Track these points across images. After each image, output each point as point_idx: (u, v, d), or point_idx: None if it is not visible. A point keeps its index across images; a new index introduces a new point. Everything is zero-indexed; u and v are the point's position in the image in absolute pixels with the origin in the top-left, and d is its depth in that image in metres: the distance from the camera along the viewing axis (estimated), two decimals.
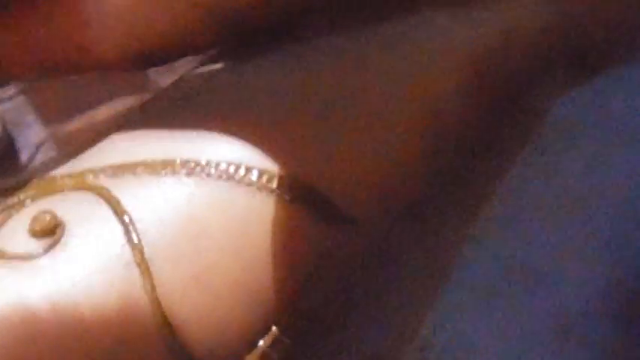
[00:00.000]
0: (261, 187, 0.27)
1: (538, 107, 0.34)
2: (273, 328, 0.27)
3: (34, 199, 0.27)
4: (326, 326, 0.31)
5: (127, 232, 0.26)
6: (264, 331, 0.28)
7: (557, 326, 0.33)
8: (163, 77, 0.32)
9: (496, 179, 0.34)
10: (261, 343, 0.27)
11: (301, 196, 0.28)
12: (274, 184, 0.27)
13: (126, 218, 0.26)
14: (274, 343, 0.28)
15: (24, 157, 0.62)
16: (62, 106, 0.31)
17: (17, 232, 0.26)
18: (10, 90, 0.39)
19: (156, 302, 0.26)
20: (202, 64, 0.30)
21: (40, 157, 0.54)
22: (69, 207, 0.27)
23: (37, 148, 0.58)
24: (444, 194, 0.33)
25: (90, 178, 0.27)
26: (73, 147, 0.30)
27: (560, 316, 0.33)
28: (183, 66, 0.32)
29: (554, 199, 0.34)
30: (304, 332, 0.30)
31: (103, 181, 0.27)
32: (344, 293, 0.31)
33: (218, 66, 0.30)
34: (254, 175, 0.27)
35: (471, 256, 0.33)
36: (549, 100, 0.34)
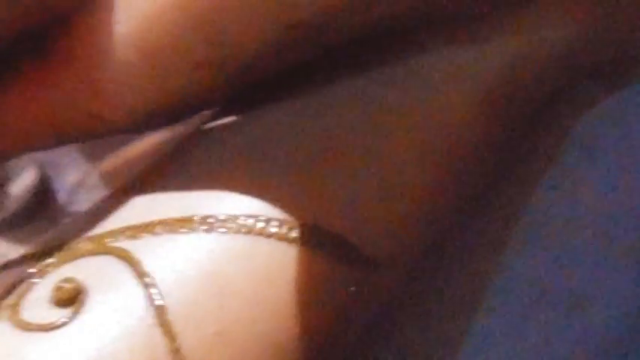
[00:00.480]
0: (281, 238, 0.27)
1: (558, 128, 0.34)
2: None
3: (55, 266, 0.27)
4: None
5: (149, 295, 0.26)
6: None
7: (594, 349, 0.32)
8: None
9: (521, 204, 0.34)
10: None
11: (322, 243, 0.27)
12: (294, 234, 0.27)
13: (147, 280, 0.26)
14: None
15: (62, 198, 0.63)
16: (101, 143, 0.31)
17: (40, 302, 0.26)
18: None
19: None
20: (214, 117, 0.30)
21: (83, 196, 0.54)
22: (90, 272, 0.26)
23: (79, 186, 0.58)
24: (468, 224, 0.33)
25: (110, 241, 0.27)
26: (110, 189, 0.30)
27: (597, 338, 0.32)
28: None
29: (583, 220, 0.34)
30: None
31: (123, 243, 0.27)
32: (373, 335, 0.31)
33: (229, 119, 0.30)
34: (273, 227, 0.27)
35: (502, 283, 0.33)
36: (569, 119, 0.34)
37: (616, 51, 0.32)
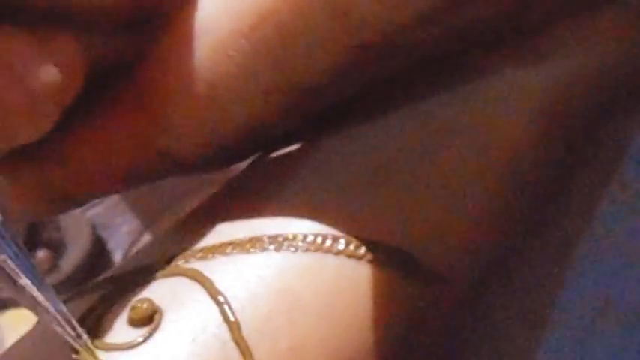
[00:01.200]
0: (349, 255, 0.28)
1: (616, 143, 0.34)
2: None
3: (130, 290, 0.28)
4: None
5: (223, 312, 0.26)
6: None
7: None
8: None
9: (583, 218, 0.34)
10: None
11: (390, 260, 0.28)
12: (361, 251, 0.28)
13: (220, 298, 0.27)
14: None
15: (117, 257, 0.64)
16: (153, 202, 0.32)
17: (116, 323, 0.27)
18: None
19: None
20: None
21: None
22: (164, 293, 0.27)
23: (133, 245, 0.59)
24: (531, 240, 0.33)
25: (182, 263, 0.28)
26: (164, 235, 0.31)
27: None
28: None
29: None
30: None
31: (195, 265, 0.28)
32: (440, 353, 0.31)
33: (290, 147, 0.31)
34: (341, 244, 0.28)
35: (566, 297, 0.33)
36: (627, 134, 0.34)
37: None
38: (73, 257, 0.57)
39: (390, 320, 0.28)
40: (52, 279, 0.58)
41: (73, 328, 0.26)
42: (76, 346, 0.26)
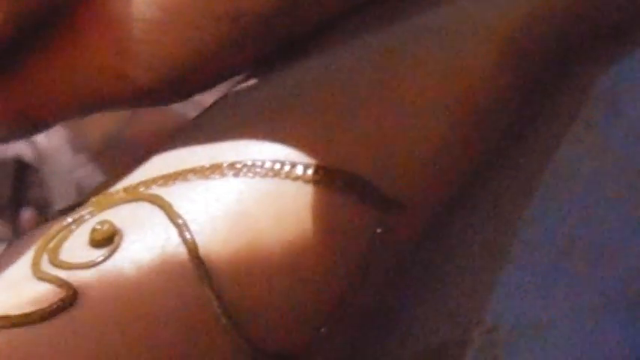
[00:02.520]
0: (307, 180, 0.28)
1: (580, 84, 0.34)
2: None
3: (92, 214, 0.28)
4: (386, 318, 0.32)
5: (181, 233, 0.27)
6: (322, 323, 0.28)
7: (625, 298, 0.33)
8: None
9: (547, 158, 0.34)
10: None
11: (348, 186, 0.28)
12: (319, 176, 0.28)
13: (179, 220, 0.27)
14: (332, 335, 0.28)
15: None
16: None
17: (78, 245, 0.27)
18: (82, 158, 0.40)
19: (214, 295, 0.26)
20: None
21: None
22: (125, 216, 0.28)
23: None
24: (494, 177, 0.33)
25: (143, 189, 0.28)
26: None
27: (628, 287, 0.33)
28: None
29: (609, 173, 0.34)
30: (363, 325, 0.30)
31: (155, 190, 0.28)
32: (401, 282, 0.31)
33: (252, 80, 0.31)
34: (299, 170, 0.28)
35: (529, 236, 0.33)
36: (591, 77, 0.34)
37: (636, 9, 0.33)
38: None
39: (346, 246, 0.28)
40: None
41: None
42: None
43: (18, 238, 0.31)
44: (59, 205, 0.58)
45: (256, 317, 0.27)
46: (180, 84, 0.30)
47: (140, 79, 0.29)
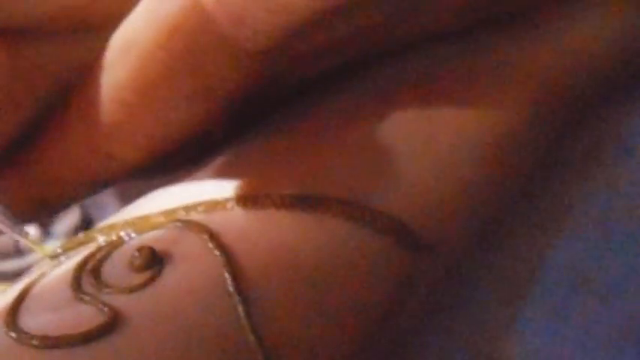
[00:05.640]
0: (347, 219, 0.29)
1: (595, 124, 0.35)
2: None
3: (129, 236, 0.29)
4: (401, 347, 0.32)
5: (224, 263, 0.27)
6: (353, 355, 0.29)
7: (635, 334, 0.33)
8: None
9: (560, 197, 0.35)
10: None
11: (386, 228, 0.29)
12: (361, 216, 0.29)
13: (222, 250, 0.27)
14: None
15: None
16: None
17: (118, 268, 0.28)
18: None
19: (253, 327, 0.27)
20: None
21: None
22: (166, 242, 0.28)
23: None
24: (514, 217, 0.34)
25: (182, 215, 0.29)
26: None
27: (637, 324, 0.33)
28: None
29: (620, 212, 0.35)
30: (387, 355, 0.31)
31: (195, 217, 0.28)
32: (423, 321, 0.32)
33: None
34: (341, 207, 0.29)
35: (543, 272, 0.34)
36: (614, 122, 0.35)
37: None
38: (61, 234, 0.57)
39: (382, 285, 0.29)
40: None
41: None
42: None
43: (21, 254, 0.31)
44: (62, 222, 0.57)
45: (289, 354, 0.27)
46: (166, 159, 0.31)
47: (127, 159, 0.31)
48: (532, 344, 0.34)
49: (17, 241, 0.35)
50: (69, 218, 0.57)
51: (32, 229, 0.59)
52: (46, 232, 0.55)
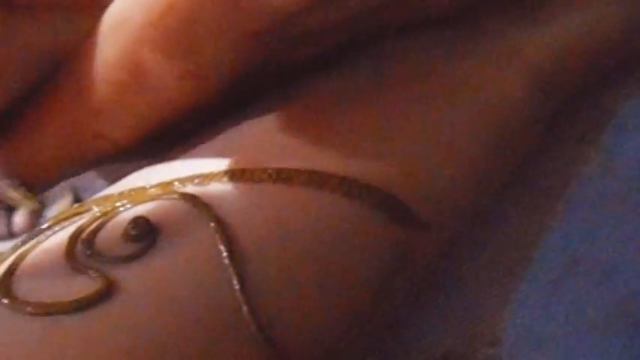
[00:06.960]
0: (343, 194, 0.29)
1: (599, 111, 0.35)
2: None
3: (125, 206, 0.29)
4: (393, 329, 0.32)
5: (218, 235, 0.27)
6: (343, 335, 0.29)
7: (626, 317, 0.33)
8: None
9: (555, 179, 0.35)
10: None
11: (381, 202, 0.29)
12: (356, 191, 0.29)
13: (216, 222, 0.27)
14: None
15: None
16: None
17: (113, 237, 0.28)
18: None
19: (247, 299, 0.27)
20: None
21: None
22: (160, 213, 0.28)
23: None
24: (509, 198, 0.34)
25: (178, 187, 0.29)
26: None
27: (628, 306, 0.33)
28: None
29: (615, 195, 0.35)
30: (381, 331, 0.31)
31: (190, 189, 0.28)
32: (416, 295, 0.32)
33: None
34: (337, 182, 0.29)
35: (536, 253, 0.34)
36: (609, 105, 0.35)
37: None
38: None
39: (376, 260, 0.29)
40: None
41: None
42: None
43: (13, 236, 0.32)
44: (55, 208, 0.57)
45: (283, 326, 0.27)
46: (155, 140, 0.31)
47: (117, 138, 0.31)
48: (524, 324, 0.34)
49: (9, 224, 0.35)
50: (61, 203, 0.57)
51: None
52: (38, 218, 0.55)
